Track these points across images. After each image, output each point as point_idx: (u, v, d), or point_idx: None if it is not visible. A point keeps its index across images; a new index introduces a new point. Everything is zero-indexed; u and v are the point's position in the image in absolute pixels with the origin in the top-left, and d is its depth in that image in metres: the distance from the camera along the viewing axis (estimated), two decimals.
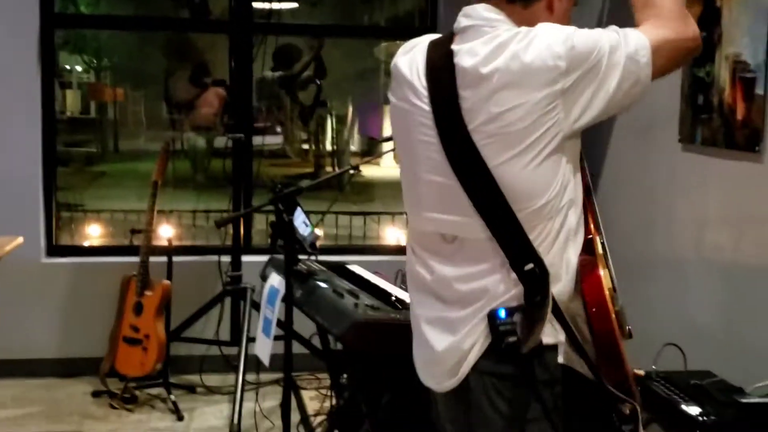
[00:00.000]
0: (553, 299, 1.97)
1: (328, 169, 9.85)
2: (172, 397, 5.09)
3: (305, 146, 11.04)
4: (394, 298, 3.53)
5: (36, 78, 5.49)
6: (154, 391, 5.25)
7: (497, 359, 2.00)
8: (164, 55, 10.19)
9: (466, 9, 2.11)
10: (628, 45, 1.97)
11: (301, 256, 3.67)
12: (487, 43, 1.98)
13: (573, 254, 2.04)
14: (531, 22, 2.02)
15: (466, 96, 1.97)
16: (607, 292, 2.01)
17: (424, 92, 2.05)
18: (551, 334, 2.01)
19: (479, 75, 1.95)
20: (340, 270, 3.96)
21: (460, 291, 2.06)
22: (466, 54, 1.99)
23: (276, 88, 8.79)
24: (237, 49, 5.76)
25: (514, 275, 1.97)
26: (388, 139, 3.58)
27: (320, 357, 4.67)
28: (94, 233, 7.18)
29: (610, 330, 2.02)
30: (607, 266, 2.11)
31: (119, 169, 10.85)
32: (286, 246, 3.27)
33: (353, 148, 10.55)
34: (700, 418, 3.36)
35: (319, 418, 4.64)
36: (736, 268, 3.90)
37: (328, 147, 9.96)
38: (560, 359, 2.04)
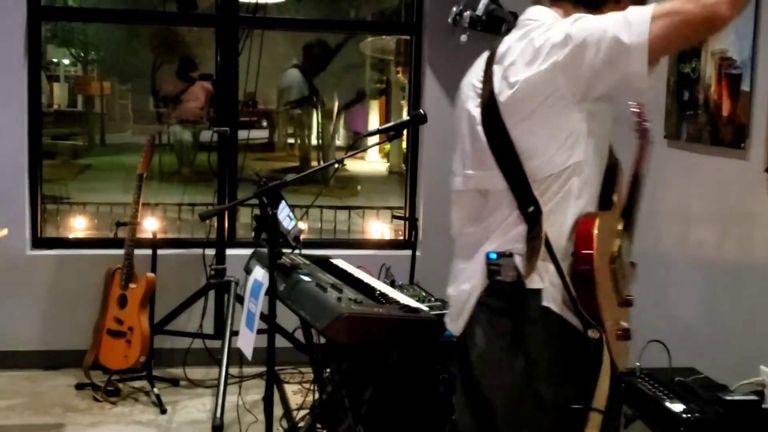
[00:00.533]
0: (548, 242, 2.27)
1: (314, 163, 9.83)
2: (156, 390, 5.08)
3: (291, 140, 11.02)
4: (378, 292, 3.53)
5: (22, 71, 5.47)
6: (138, 383, 5.24)
7: (489, 294, 2.35)
8: (151, 48, 10.17)
9: (529, 8, 2.50)
10: (627, 22, 2.19)
11: (284, 250, 3.67)
12: (517, 32, 2.42)
13: (571, 213, 2.31)
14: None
15: (495, 71, 2.38)
16: (596, 231, 2.25)
17: (481, 74, 2.48)
18: (536, 280, 2.28)
19: (503, 55, 2.39)
20: (324, 264, 3.96)
21: (476, 238, 2.42)
22: (504, 42, 2.44)
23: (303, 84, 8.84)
24: (224, 43, 5.75)
25: (521, 218, 2.30)
26: (373, 133, 3.57)
27: (303, 351, 4.68)
28: (79, 226, 7.15)
29: (588, 258, 2.25)
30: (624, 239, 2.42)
31: (105, 162, 10.80)
32: (270, 239, 3.26)
33: (339, 142, 10.54)
34: (684, 415, 3.37)
35: (302, 412, 4.64)
36: (721, 265, 3.91)
37: (314, 141, 9.95)
38: (544, 303, 2.28)
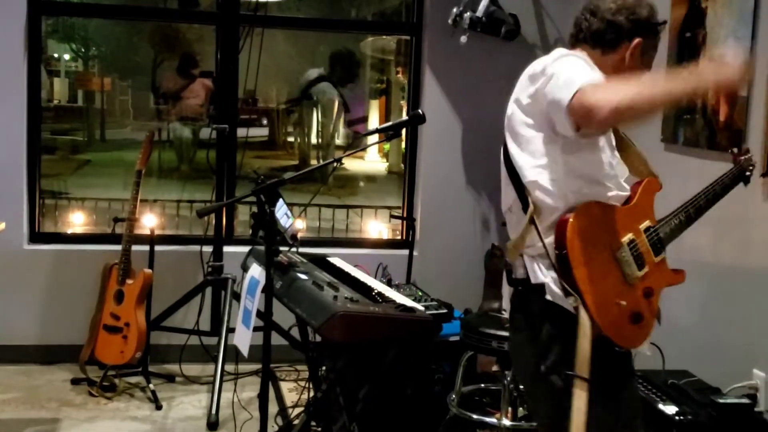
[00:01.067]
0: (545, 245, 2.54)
1: (313, 162, 9.83)
2: (151, 386, 5.09)
3: (290, 139, 11.02)
4: (374, 291, 3.54)
5: (23, 65, 5.48)
6: (134, 379, 5.25)
7: (514, 295, 2.73)
8: (152, 45, 10.17)
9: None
10: (568, 79, 2.42)
11: (282, 248, 3.68)
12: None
13: (548, 218, 2.56)
14: (602, 67, 2.60)
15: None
16: (572, 219, 2.48)
17: None
18: (539, 276, 2.56)
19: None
20: (321, 262, 3.97)
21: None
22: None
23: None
24: (224, 40, 5.76)
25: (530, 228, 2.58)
26: (372, 132, 3.59)
27: (299, 349, 4.68)
28: (77, 221, 7.16)
29: (563, 240, 2.48)
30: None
31: (105, 157, 10.79)
32: (267, 237, 3.28)
33: (338, 141, 10.53)
34: (677, 418, 3.39)
35: (297, 410, 4.65)
36: (716, 268, 3.92)
37: (314, 140, 9.94)
38: (548, 297, 2.54)
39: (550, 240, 2.51)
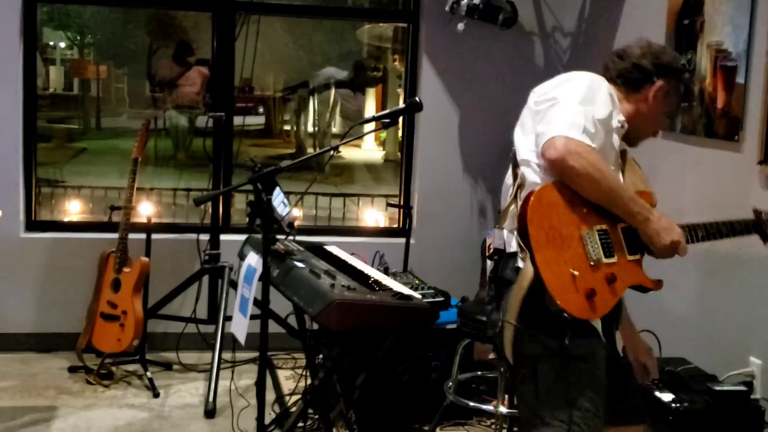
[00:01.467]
0: None
1: (310, 150, 9.83)
2: (149, 373, 5.09)
3: (287, 127, 11.02)
4: (371, 279, 3.54)
5: (18, 53, 5.46)
6: (131, 367, 5.25)
7: (491, 269, 2.86)
8: (148, 33, 10.14)
9: None
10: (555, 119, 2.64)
11: (279, 236, 3.68)
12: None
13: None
14: (626, 104, 2.85)
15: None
16: (547, 186, 2.63)
17: None
18: (513, 245, 2.72)
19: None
20: (318, 250, 3.97)
21: None
22: None
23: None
24: (220, 28, 5.74)
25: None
26: (369, 120, 3.58)
27: (296, 336, 4.69)
28: (73, 209, 7.16)
29: (527, 200, 2.62)
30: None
31: (101, 146, 10.78)
32: (264, 225, 3.27)
33: (335, 129, 10.53)
34: (674, 405, 3.40)
35: (294, 398, 4.66)
36: (713, 256, 3.92)
37: (310, 129, 9.94)
38: (518, 264, 2.66)
39: None
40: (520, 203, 2.66)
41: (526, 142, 2.76)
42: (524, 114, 2.82)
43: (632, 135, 2.88)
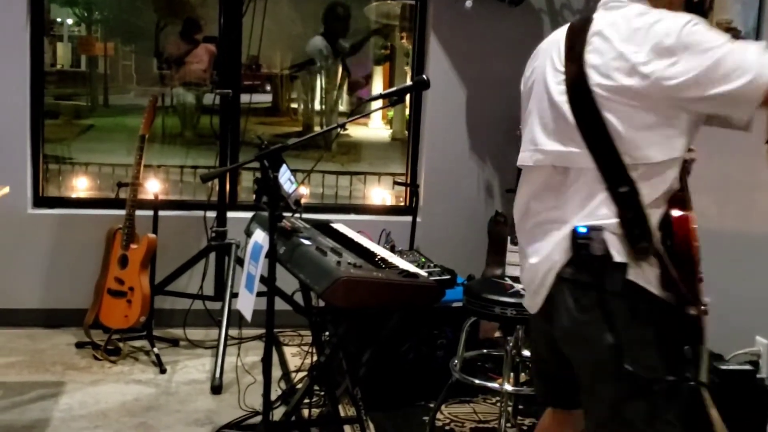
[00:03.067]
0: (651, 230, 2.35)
1: (317, 128, 9.80)
2: (155, 350, 5.11)
3: (294, 105, 10.98)
4: (377, 257, 3.54)
5: (25, 30, 5.46)
6: (138, 343, 5.28)
7: (575, 269, 2.40)
8: (155, 9, 10.11)
9: None
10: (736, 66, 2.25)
11: (285, 213, 3.68)
12: (611, 14, 2.44)
13: (663, 198, 2.40)
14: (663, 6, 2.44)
15: (588, 52, 2.39)
16: (692, 213, 2.40)
17: (563, 51, 2.49)
18: (622, 254, 2.34)
19: (598, 36, 2.39)
20: (325, 228, 3.97)
21: (551, 214, 2.49)
22: (600, 21, 2.43)
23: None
24: (227, 5, 5.73)
25: (611, 197, 2.35)
26: (376, 98, 3.58)
27: (302, 314, 4.70)
28: (81, 186, 7.16)
29: (688, 238, 2.39)
30: None
31: (108, 122, 10.74)
32: (271, 203, 3.27)
33: (342, 108, 10.50)
34: None
35: (300, 374, 4.68)
36: (720, 236, 3.92)
37: (317, 107, 9.90)
38: (629, 276, 2.34)
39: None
40: (675, 243, 2.38)
41: (636, 134, 2.33)
42: (609, 93, 2.35)
43: None
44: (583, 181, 2.40)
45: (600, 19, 2.44)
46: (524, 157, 2.59)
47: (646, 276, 2.36)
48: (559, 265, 2.42)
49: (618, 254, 2.34)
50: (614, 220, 2.34)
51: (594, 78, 2.36)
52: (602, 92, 2.34)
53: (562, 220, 2.44)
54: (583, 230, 2.35)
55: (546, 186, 2.52)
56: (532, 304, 2.58)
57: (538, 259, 2.50)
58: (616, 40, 2.35)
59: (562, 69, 2.46)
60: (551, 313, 2.49)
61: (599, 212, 2.37)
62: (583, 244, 2.35)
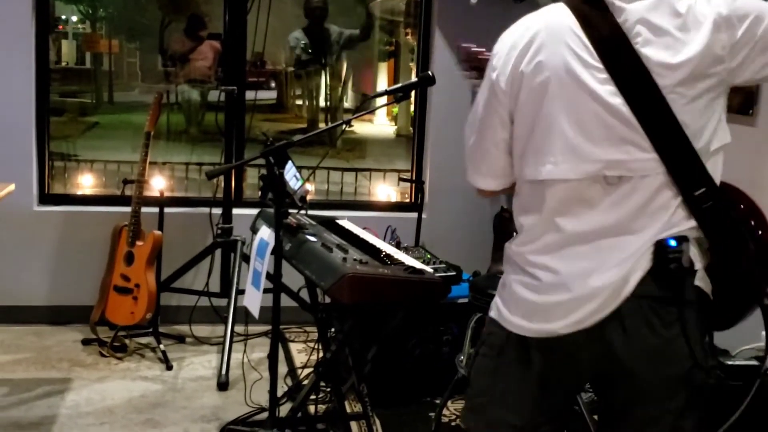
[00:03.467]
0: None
1: (322, 125, 9.81)
2: (162, 346, 5.12)
3: (299, 102, 10.99)
4: (383, 253, 3.54)
5: (30, 27, 5.46)
6: (144, 340, 5.28)
7: (656, 284, 2.16)
8: (159, 6, 10.13)
9: None
10: None
11: (291, 210, 3.69)
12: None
13: None
14: None
15: (640, 43, 2.13)
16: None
17: (588, 43, 2.17)
18: (700, 261, 2.21)
19: (644, 24, 2.14)
20: (330, 225, 3.98)
21: (609, 227, 2.19)
22: (630, 11, 2.16)
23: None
24: (232, 1, 5.73)
25: (683, 201, 2.17)
26: (381, 94, 3.58)
27: (308, 310, 4.70)
28: (86, 183, 7.18)
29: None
30: None
31: (113, 120, 10.78)
32: (276, 199, 3.28)
33: (347, 104, 10.50)
34: None
35: (306, 371, 4.68)
36: None
37: (322, 103, 9.91)
38: (696, 282, 2.21)
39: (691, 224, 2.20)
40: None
41: (703, 122, 2.17)
42: (682, 75, 2.13)
43: None
44: (648, 189, 2.16)
45: (623, 3, 2.16)
46: (564, 170, 2.20)
47: (704, 278, 2.24)
48: (634, 282, 2.16)
49: (698, 262, 2.21)
50: (693, 225, 2.19)
51: (665, 76, 2.12)
52: (684, 90, 2.13)
53: (623, 233, 2.18)
54: (674, 243, 2.15)
55: (579, 199, 2.21)
56: (589, 321, 2.21)
57: (601, 281, 2.18)
58: (672, 28, 2.13)
59: (600, 65, 2.15)
60: (610, 334, 2.20)
61: (678, 221, 2.17)
62: (673, 258, 2.16)
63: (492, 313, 2.41)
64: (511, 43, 2.33)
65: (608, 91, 2.14)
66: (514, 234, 2.38)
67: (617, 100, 2.13)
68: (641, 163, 2.15)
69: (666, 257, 2.15)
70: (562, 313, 2.22)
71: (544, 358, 2.28)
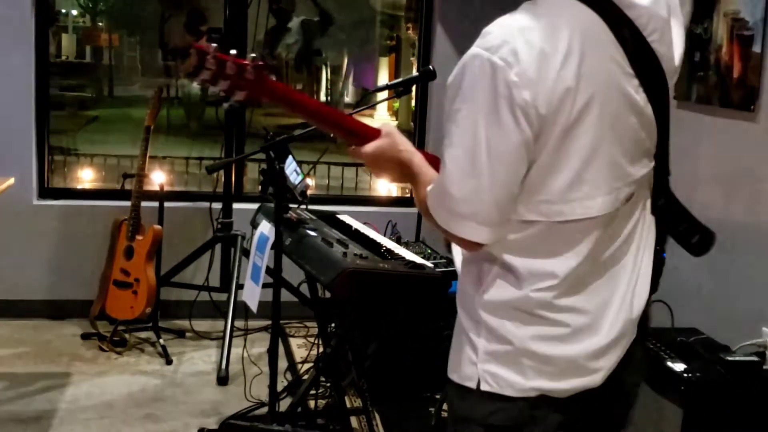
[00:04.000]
0: None
1: None
2: (161, 341, 5.11)
3: None
4: (383, 248, 3.54)
5: (30, 20, 5.44)
6: (144, 334, 5.28)
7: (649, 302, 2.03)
8: (160, 1, 10.12)
9: None
10: None
11: (291, 205, 3.68)
12: None
13: None
14: None
15: (655, 42, 1.85)
16: None
17: (618, 45, 1.82)
18: None
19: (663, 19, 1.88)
20: (331, 219, 3.97)
21: (614, 254, 1.93)
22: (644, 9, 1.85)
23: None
24: None
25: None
26: (382, 88, 3.57)
27: (308, 305, 4.70)
28: (86, 177, 7.18)
29: None
30: None
31: (113, 114, 10.77)
32: (277, 194, 3.27)
33: (347, 99, 10.49)
34: (686, 375, 3.39)
35: (306, 366, 4.67)
36: (726, 226, 3.90)
37: (323, 98, 9.91)
38: None
39: None
40: None
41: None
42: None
43: None
44: (639, 200, 1.95)
45: None
46: (606, 202, 1.85)
47: None
48: (643, 305, 2.00)
49: None
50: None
51: (671, 78, 1.93)
52: (669, 85, 1.92)
53: (631, 251, 1.96)
54: (665, 255, 2.02)
55: (604, 225, 1.88)
56: (611, 361, 1.94)
57: (639, 305, 1.99)
58: (669, 23, 1.91)
59: (631, 71, 1.82)
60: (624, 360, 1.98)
61: (651, 233, 2.01)
62: (661, 270, 2.02)
63: (485, 387, 1.90)
64: (538, 50, 1.80)
65: (644, 100, 1.85)
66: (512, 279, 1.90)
67: (649, 110, 1.86)
68: (649, 173, 1.95)
69: (661, 270, 2.02)
70: (597, 362, 1.90)
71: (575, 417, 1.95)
